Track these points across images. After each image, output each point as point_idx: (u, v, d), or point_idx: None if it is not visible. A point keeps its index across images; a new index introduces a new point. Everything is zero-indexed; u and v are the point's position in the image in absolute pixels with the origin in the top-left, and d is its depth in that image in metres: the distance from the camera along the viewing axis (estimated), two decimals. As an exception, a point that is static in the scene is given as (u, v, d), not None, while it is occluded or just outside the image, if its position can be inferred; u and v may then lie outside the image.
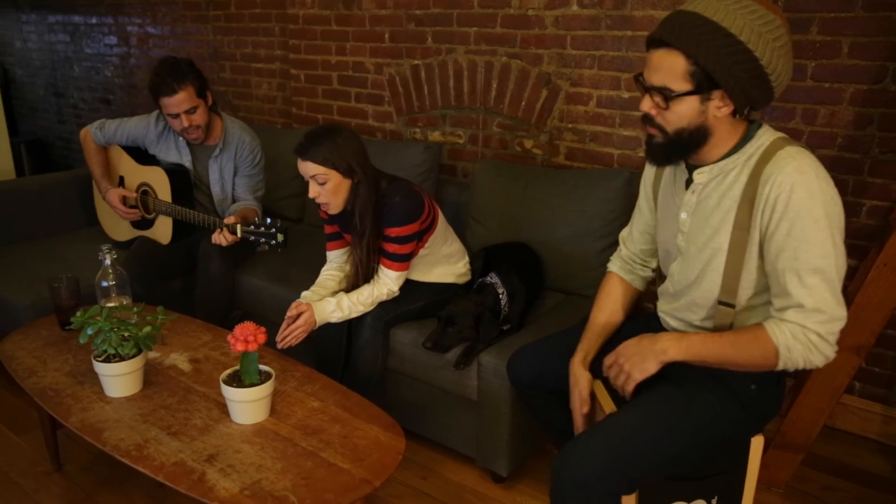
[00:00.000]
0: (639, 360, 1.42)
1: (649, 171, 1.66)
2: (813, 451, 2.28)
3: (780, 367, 1.36)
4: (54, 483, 2.13)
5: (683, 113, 1.34)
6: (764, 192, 1.32)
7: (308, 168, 1.98)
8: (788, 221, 1.29)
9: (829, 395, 2.01)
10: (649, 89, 1.35)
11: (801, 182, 1.28)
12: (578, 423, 1.63)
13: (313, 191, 2.01)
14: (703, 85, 1.30)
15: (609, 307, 1.72)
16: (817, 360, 1.34)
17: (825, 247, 1.29)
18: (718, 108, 1.33)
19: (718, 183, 1.41)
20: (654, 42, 1.33)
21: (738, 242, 1.38)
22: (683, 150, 1.41)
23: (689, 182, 1.47)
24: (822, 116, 2.22)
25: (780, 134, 1.39)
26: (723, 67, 1.27)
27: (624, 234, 1.79)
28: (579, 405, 1.62)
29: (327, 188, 2.00)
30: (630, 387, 1.44)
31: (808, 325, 1.32)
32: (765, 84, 1.30)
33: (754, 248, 1.37)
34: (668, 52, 1.30)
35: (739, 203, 1.36)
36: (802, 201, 1.28)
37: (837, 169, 2.23)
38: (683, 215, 1.49)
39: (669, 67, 1.31)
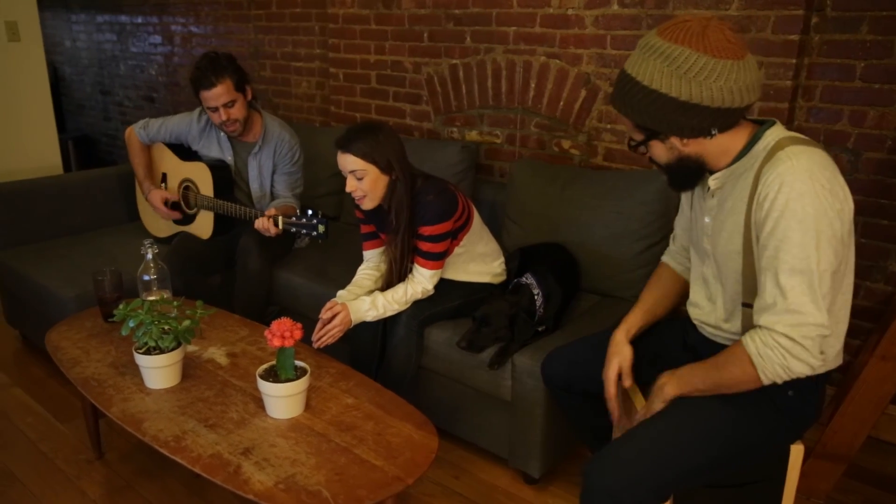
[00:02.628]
0: (648, 403, 1.49)
1: None
2: (856, 463, 2.22)
3: (764, 380, 1.31)
4: (95, 471, 2.19)
5: (658, 154, 1.43)
6: (757, 191, 1.32)
7: (347, 161, 1.99)
8: (773, 220, 1.27)
9: (874, 405, 1.95)
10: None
11: (790, 181, 1.25)
12: (612, 393, 1.60)
13: (351, 185, 2.03)
14: (650, 133, 1.39)
15: (659, 290, 1.73)
16: (798, 368, 1.28)
17: (806, 248, 1.25)
18: (682, 142, 1.38)
19: (732, 186, 1.40)
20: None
21: (748, 242, 1.37)
22: (688, 176, 1.47)
23: (708, 187, 1.48)
24: (871, 118, 2.16)
25: (790, 133, 1.37)
26: (651, 117, 1.35)
27: (675, 230, 1.80)
28: (614, 376, 1.60)
29: (365, 183, 2.01)
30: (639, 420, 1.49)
31: (776, 328, 1.28)
32: (703, 111, 1.30)
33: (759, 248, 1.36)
34: (621, 116, 1.42)
35: (746, 204, 1.36)
36: (788, 200, 1.25)
37: (885, 172, 2.16)
38: (707, 219, 1.49)
39: (625, 124, 1.44)
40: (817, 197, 1.24)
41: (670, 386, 1.45)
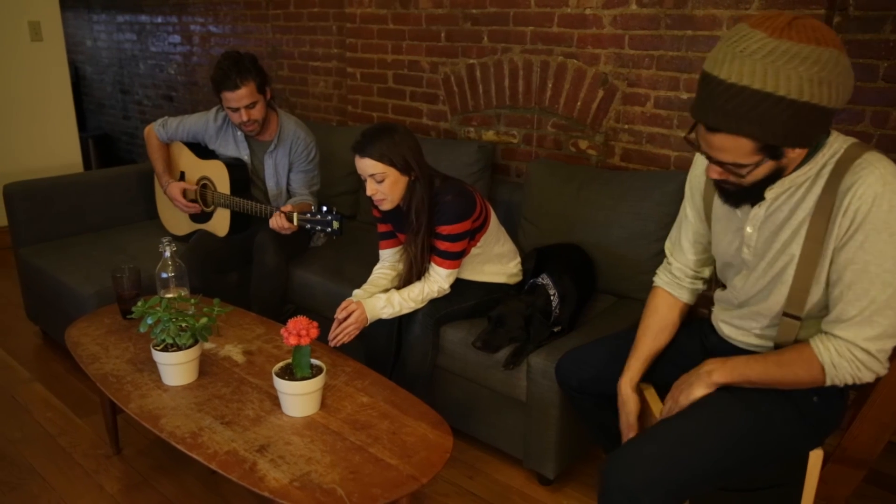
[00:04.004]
0: (686, 387, 1.44)
1: (698, 179, 1.57)
2: (876, 468, 2.19)
3: (829, 383, 1.33)
4: (113, 466, 2.21)
5: (760, 174, 1.29)
6: (844, 203, 1.25)
7: (366, 165, 2.00)
8: (864, 233, 1.24)
9: (895, 410, 1.93)
10: (717, 163, 1.30)
11: (885, 194, 1.22)
12: (632, 436, 1.59)
13: (371, 188, 2.03)
14: (772, 153, 1.24)
15: (655, 327, 1.66)
16: (866, 377, 1.31)
17: None
18: (793, 152, 1.27)
19: (789, 196, 1.34)
20: (710, 127, 1.24)
21: (810, 255, 1.33)
22: (762, 189, 1.35)
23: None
24: (893, 119, 2.12)
25: (852, 139, 1.32)
26: (791, 133, 1.20)
27: (669, 245, 1.71)
28: (626, 429, 1.60)
29: (385, 185, 2.01)
30: (674, 412, 1.45)
31: (857, 341, 1.28)
32: (828, 116, 1.21)
33: (826, 260, 1.31)
34: (731, 137, 1.22)
35: (813, 215, 1.31)
36: (883, 214, 1.22)
37: (909, 174, 2.13)
38: (749, 229, 1.42)
39: (736, 149, 1.24)
40: None
41: (719, 373, 1.40)
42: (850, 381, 1.33)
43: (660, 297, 1.69)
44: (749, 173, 1.28)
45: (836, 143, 1.31)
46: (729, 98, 1.18)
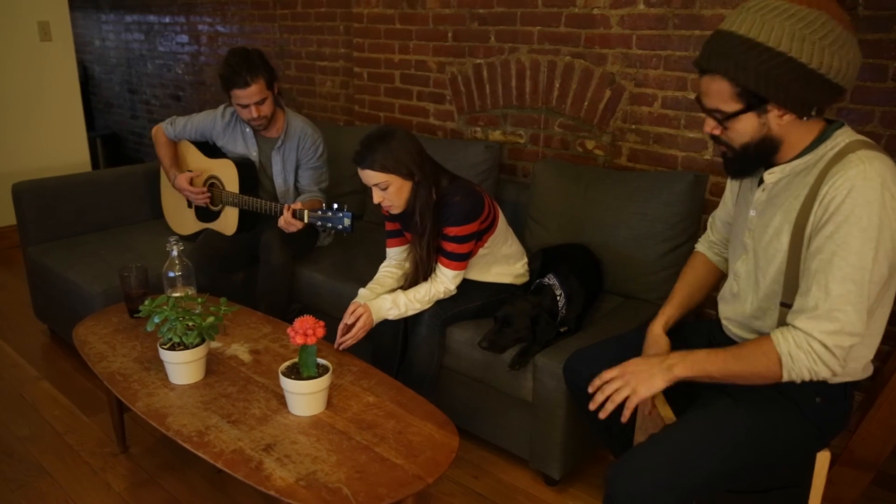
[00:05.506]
0: (646, 377, 1.41)
1: None
2: (885, 471, 2.18)
3: (786, 377, 1.31)
4: (120, 464, 2.22)
5: (743, 130, 1.34)
6: (822, 192, 1.28)
7: (368, 176, 2.00)
8: (834, 224, 1.25)
9: (903, 412, 1.91)
10: (707, 111, 1.37)
11: (860, 187, 1.22)
12: (648, 408, 1.57)
13: (377, 197, 2.03)
14: (752, 102, 1.29)
15: (693, 280, 1.71)
16: (822, 372, 1.29)
17: (864, 258, 1.23)
18: (780, 118, 1.31)
19: (788, 182, 1.37)
20: (699, 69, 1.34)
21: (797, 242, 1.34)
22: (757, 161, 1.39)
23: (761, 181, 1.44)
24: (903, 120, 2.11)
25: (861, 137, 1.32)
26: (767, 82, 1.25)
27: (710, 219, 1.78)
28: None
29: (390, 192, 2.01)
30: (633, 403, 1.41)
31: (814, 333, 1.27)
32: (822, 84, 1.25)
33: (806, 249, 1.33)
34: (713, 78, 1.31)
35: (802, 203, 1.32)
36: (854, 206, 1.22)
37: (918, 175, 2.12)
38: (752, 213, 1.46)
39: (717, 91, 1.31)
40: (884, 207, 1.22)
41: (681, 367, 1.40)
42: (806, 376, 1.30)
43: (698, 258, 1.75)
44: (732, 126, 1.33)
45: (842, 137, 1.32)
46: (718, 43, 1.29)
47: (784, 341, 1.30)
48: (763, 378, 1.34)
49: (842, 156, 1.28)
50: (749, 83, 1.26)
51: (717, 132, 1.38)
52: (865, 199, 1.22)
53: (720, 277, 1.73)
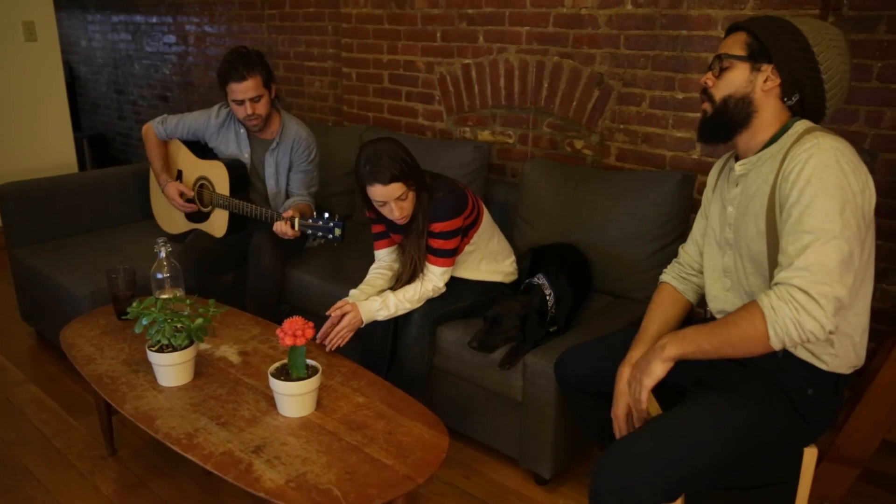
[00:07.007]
0: (645, 365, 1.45)
1: (713, 179, 1.67)
2: (871, 467, 2.20)
3: (772, 336, 1.28)
4: (108, 467, 2.20)
5: (732, 80, 1.44)
6: (783, 167, 1.35)
7: (392, 190, 1.97)
8: (798, 190, 1.31)
9: (889, 407, 1.93)
10: (714, 59, 1.49)
11: (817, 155, 1.30)
12: (621, 430, 1.59)
13: (398, 210, 2.01)
14: (755, 55, 1.42)
15: (660, 317, 1.69)
16: (810, 325, 1.25)
17: (831, 213, 1.27)
18: (765, 82, 1.42)
19: (757, 173, 1.45)
20: (736, 27, 1.49)
21: (772, 221, 1.39)
22: (729, 124, 1.46)
23: (736, 183, 1.51)
24: (887, 119, 2.13)
25: (818, 126, 1.41)
26: (777, 43, 1.40)
27: (682, 247, 1.79)
28: (623, 414, 1.57)
29: (408, 202, 2.02)
30: (644, 395, 1.44)
31: (792, 281, 1.27)
32: (816, 75, 1.40)
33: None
34: (737, 33, 1.47)
35: (771, 185, 1.39)
36: (814, 170, 1.29)
37: (903, 174, 2.14)
38: (730, 209, 1.52)
39: (734, 40, 1.46)
40: (841, 170, 1.29)
41: (672, 345, 1.41)
42: (792, 331, 1.26)
43: (664, 291, 1.74)
44: (725, 75, 1.45)
45: (801, 125, 1.42)
46: (759, 17, 1.48)
47: (766, 297, 1.31)
48: (752, 341, 1.32)
49: (800, 138, 1.37)
50: (762, 35, 1.41)
51: (709, 83, 1.48)
52: (822, 164, 1.29)
53: (689, 309, 1.73)
